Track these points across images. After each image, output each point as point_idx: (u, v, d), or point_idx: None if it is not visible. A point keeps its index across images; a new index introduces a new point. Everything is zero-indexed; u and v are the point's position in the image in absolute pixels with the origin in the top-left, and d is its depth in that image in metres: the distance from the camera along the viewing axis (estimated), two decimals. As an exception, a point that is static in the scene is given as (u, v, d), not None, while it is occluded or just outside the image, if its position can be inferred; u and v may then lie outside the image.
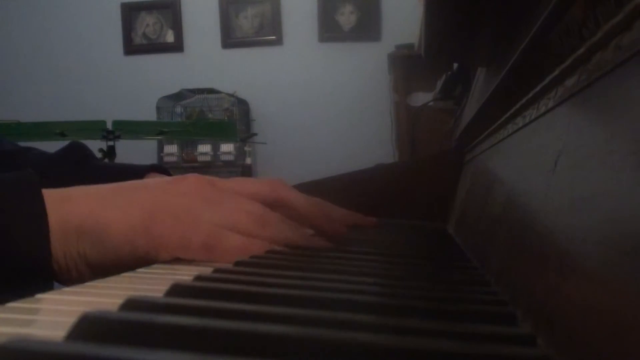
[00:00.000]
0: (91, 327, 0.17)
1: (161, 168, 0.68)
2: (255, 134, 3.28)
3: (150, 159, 3.41)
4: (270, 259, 0.39)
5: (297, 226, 0.46)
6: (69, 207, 0.39)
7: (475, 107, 0.68)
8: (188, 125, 2.83)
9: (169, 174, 0.66)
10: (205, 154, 3.32)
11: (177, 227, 0.40)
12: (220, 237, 0.40)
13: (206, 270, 0.31)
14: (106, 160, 2.16)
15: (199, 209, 0.41)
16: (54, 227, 0.38)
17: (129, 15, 3.57)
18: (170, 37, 3.56)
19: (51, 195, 0.39)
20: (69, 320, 0.17)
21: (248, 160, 3.34)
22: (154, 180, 0.44)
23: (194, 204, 0.41)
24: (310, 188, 1.00)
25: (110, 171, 0.68)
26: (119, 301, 0.20)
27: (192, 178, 0.43)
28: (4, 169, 0.41)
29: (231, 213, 0.42)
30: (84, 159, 0.70)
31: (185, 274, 0.35)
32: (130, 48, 3.58)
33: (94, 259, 0.40)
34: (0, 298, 0.23)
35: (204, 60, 3.50)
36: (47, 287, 0.38)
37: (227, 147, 3.31)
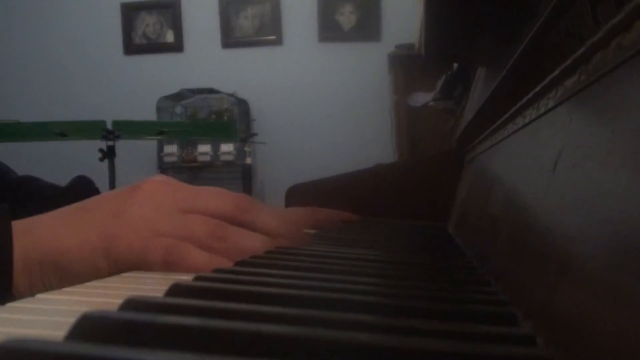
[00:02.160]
0: (91, 327, 0.17)
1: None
2: (255, 134, 3.28)
3: (150, 159, 3.41)
4: (270, 259, 0.39)
5: (257, 234, 0.43)
6: (30, 238, 0.39)
7: (475, 107, 0.68)
8: (188, 125, 2.84)
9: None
10: (205, 154, 3.32)
11: (135, 243, 0.39)
12: (180, 251, 0.39)
13: (182, 275, 0.31)
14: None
15: (156, 220, 0.40)
16: (17, 261, 0.38)
17: (129, 15, 3.57)
18: (170, 37, 3.56)
19: (16, 228, 0.39)
20: (69, 320, 0.17)
21: (248, 160, 3.34)
22: (111, 194, 0.43)
23: (150, 214, 0.40)
24: (310, 188, 1.00)
25: None
26: (119, 301, 0.20)
27: (147, 186, 0.42)
28: (9, 198, 0.41)
29: (187, 224, 0.40)
30: (89, 193, 0.70)
31: (185, 274, 0.35)
32: (130, 48, 3.58)
33: (61, 287, 0.39)
34: None
35: (204, 60, 3.50)
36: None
37: (227, 147, 3.31)
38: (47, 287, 0.39)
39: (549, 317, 0.22)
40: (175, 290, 0.24)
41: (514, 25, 0.45)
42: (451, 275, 0.37)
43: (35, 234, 0.39)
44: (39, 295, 0.26)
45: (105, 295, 0.27)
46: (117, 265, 0.39)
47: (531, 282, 0.26)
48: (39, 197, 0.61)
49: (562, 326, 0.20)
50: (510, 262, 0.32)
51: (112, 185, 2.15)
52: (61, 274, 0.39)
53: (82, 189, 0.69)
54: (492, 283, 0.34)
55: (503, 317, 0.24)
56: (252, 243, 0.42)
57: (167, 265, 0.38)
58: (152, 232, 0.39)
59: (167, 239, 0.39)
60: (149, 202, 0.41)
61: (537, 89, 0.38)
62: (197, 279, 0.28)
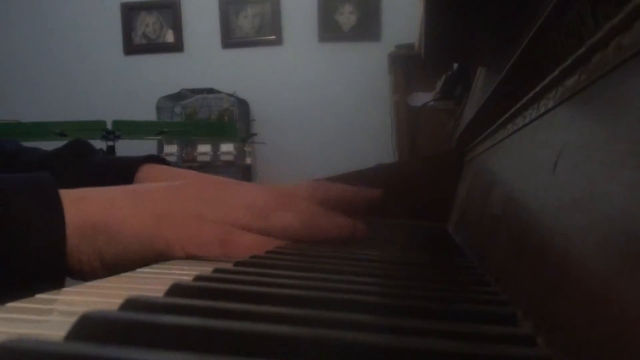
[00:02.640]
0: (91, 327, 0.17)
1: (158, 158, 0.69)
2: (255, 134, 3.28)
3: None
4: (270, 259, 0.39)
5: (300, 207, 0.48)
6: (84, 206, 0.41)
7: (475, 107, 0.68)
8: (188, 125, 2.84)
9: (168, 164, 0.67)
10: (205, 154, 3.32)
11: (190, 227, 0.42)
12: (233, 235, 0.42)
13: (206, 270, 0.31)
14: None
15: (205, 212, 0.43)
16: (70, 224, 0.39)
17: (129, 15, 3.57)
18: (170, 37, 3.56)
19: (67, 195, 0.40)
20: (69, 320, 0.17)
21: (248, 160, 3.34)
22: (161, 186, 0.46)
23: (197, 206, 0.43)
24: (310, 188, 1.00)
25: (108, 166, 0.68)
26: (119, 301, 0.20)
27: (195, 185, 0.46)
28: (8, 170, 0.42)
29: (232, 210, 0.44)
30: (84, 155, 0.70)
31: (185, 274, 0.35)
32: (130, 48, 3.58)
33: (109, 257, 0.41)
34: (13, 293, 0.24)
35: (204, 60, 3.50)
36: (59, 283, 0.39)
37: (227, 147, 3.31)
38: (96, 254, 0.41)
39: (549, 317, 0.22)
40: (175, 290, 0.24)
41: (514, 25, 0.45)
42: (451, 275, 0.37)
43: (87, 202, 0.41)
44: (39, 296, 0.26)
45: (105, 295, 0.27)
46: (170, 243, 0.41)
47: (531, 282, 0.26)
48: (30, 167, 0.61)
49: (562, 326, 0.20)
50: (510, 262, 0.32)
51: (112, 185, 2.15)
52: (113, 244, 0.41)
53: (77, 150, 0.69)
54: (492, 283, 0.34)
55: (503, 317, 0.24)
56: (291, 220, 0.46)
57: (222, 248, 0.42)
58: (204, 221, 0.43)
59: (220, 224, 0.43)
60: (197, 197, 0.44)
61: (537, 89, 0.38)
62: (197, 279, 0.28)
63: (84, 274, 0.41)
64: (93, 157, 0.71)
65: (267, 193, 0.48)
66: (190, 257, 0.42)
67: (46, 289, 0.38)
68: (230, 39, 3.50)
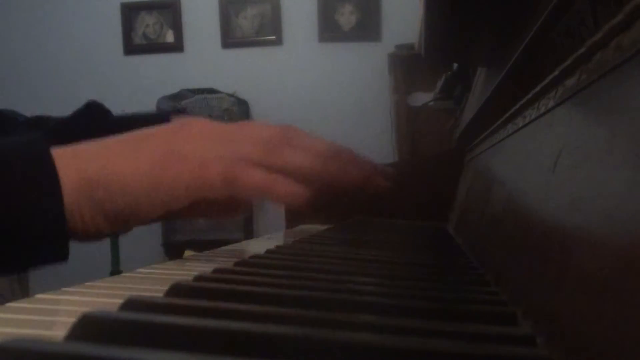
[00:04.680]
0: (91, 327, 0.17)
1: (181, 113, 0.68)
2: (255, 134, 3.28)
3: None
4: (270, 259, 0.39)
5: (310, 144, 0.45)
6: (78, 161, 0.39)
7: (475, 107, 0.68)
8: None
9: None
10: (205, 154, 3.32)
11: (190, 168, 0.40)
12: (239, 169, 0.40)
13: (206, 270, 0.31)
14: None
15: (207, 150, 0.41)
16: (66, 183, 0.38)
17: (129, 15, 3.57)
18: (170, 37, 3.56)
19: (61, 153, 0.39)
20: (69, 320, 0.17)
21: (248, 160, 3.34)
22: (160, 129, 0.43)
23: (201, 146, 0.41)
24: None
25: (131, 123, 0.66)
26: (119, 301, 0.20)
27: (196, 123, 0.43)
28: None
29: (240, 146, 0.41)
30: (103, 116, 0.68)
31: (185, 274, 0.35)
32: (130, 48, 3.58)
33: (111, 210, 0.39)
34: (17, 259, 0.23)
35: (204, 60, 3.50)
36: (63, 247, 0.37)
37: (227, 147, 3.31)
38: (98, 209, 0.39)
39: (549, 317, 0.22)
40: (175, 290, 0.24)
41: (514, 25, 0.45)
42: (451, 275, 0.37)
43: (85, 157, 0.40)
44: (39, 295, 0.26)
45: (105, 295, 0.27)
46: (173, 188, 0.39)
47: (531, 282, 0.26)
48: (53, 130, 0.60)
49: (562, 326, 0.20)
50: (510, 262, 0.32)
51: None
52: (114, 197, 0.39)
53: (94, 112, 0.67)
54: (492, 283, 0.34)
55: (503, 317, 0.24)
56: (302, 160, 0.43)
57: (227, 184, 0.39)
58: (204, 159, 0.40)
59: (225, 160, 0.40)
60: (197, 136, 0.42)
61: (537, 89, 0.38)
62: (197, 279, 0.28)
63: (89, 234, 0.39)
64: (112, 118, 0.69)
65: (279, 128, 0.45)
66: (195, 200, 0.40)
67: (51, 254, 0.37)
68: (230, 39, 3.50)
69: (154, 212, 0.40)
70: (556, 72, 0.33)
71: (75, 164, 0.39)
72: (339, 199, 0.52)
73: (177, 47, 3.54)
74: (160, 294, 0.24)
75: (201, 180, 0.40)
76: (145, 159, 0.40)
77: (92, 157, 0.40)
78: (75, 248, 0.40)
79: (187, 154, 0.40)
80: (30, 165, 0.37)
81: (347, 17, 3.41)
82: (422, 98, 2.36)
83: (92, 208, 0.39)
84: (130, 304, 0.20)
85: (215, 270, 0.31)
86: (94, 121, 0.65)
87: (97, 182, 0.39)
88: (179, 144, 0.41)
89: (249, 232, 2.83)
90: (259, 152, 0.41)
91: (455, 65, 1.26)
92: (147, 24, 3.58)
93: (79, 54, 3.54)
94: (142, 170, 0.39)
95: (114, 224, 0.40)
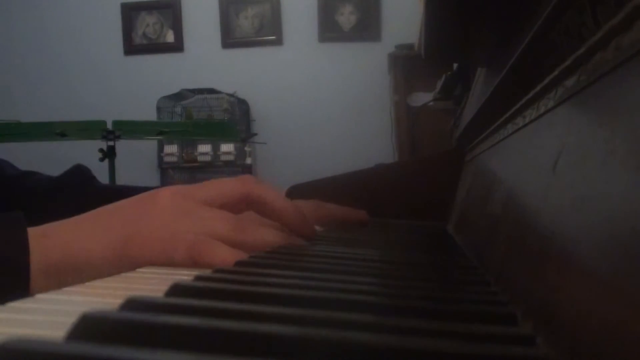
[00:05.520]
0: (91, 327, 0.17)
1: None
2: (256, 134, 3.28)
3: (151, 159, 3.41)
4: (270, 259, 0.39)
5: (275, 227, 0.46)
6: (49, 242, 0.40)
7: (475, 107, 0.68)
8: (188, 125, 2.84)
9: None
10: (205, 154, 3.32)
11: (157, 244, 0.40)
12: (205, 246, 0.40)
13: (206, 270, 0.31)
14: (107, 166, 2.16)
15: (175, 223, 0.41)
16: (34, 265, 0.38)
17: (129, 15, 3.57)
18: (170, 37, 3.56)
19: (34, 233, 0.39)
20: (69, 320, 0.17)
21: (248, 160, 3.34)
22: (127, 202, 0.44)
23: (169, 219, 0.42)
24: (310, 188, 1.00)
25: (112, 193, 0.68)
26: (119, 301, 0.20)
27: (163, 194, 0.43)
28: (7, 195, 0.41)
29: (208, 221, 0.42)
30: (86, 182, 0.70)
31: (185, 274, 0.35)
32: (130, 48, 3.58)
33: None
34: None
35: (204, 60, 3.51)
36: None
37: (227, 147, 3.31)
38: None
39: (549, 317, 0.22)
40: (175, 290, 0.24)
41: (514, 25, 0.45)
42: (451, 275, 0.37)
43: (53, 238, 0.40)
44: (39, 295, 0.26)
45: (105, 295, 0.27)
46: (141, 267, 0.40)
47: (531, 282, 0.26)
48: (36, 192, 0.61)
49: (562, 326, 0.20)
50: (510, 262, 0.32)
51: (112, 185, 2.15)
52: (80, 276, 0.39)
53: (77, 177, 0.69)
54: (492, 283, 0.34)
55: (503, 317, 0.24)
56: (271, 237, 0.44)
57: (193, 260, 0.40)
58: (174, 233, 0.41)
59: (191, 235, 0.40)
60: (165, 211, 0.42)
61: (537, 89, 0.38)
62: (197, 279, 0.28)
63: None
64: (95, 184, 0.72)
65: (240, 189, 0.46)
66: None
67: None
68: (230, 39, 3.50)
69: None
70: (556, 72, 0.33)
71: (43, 245, 0.39)
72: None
73: (177, 47, 3.54)
74: (160, 294, 0.24)
75: (168, 257, 0.40)
76: (114, 237, 0.41)
77: (60, 238, 0.40)
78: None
79: (154, 230, 0.41)
80: (3, 248, 0.38)
81: (347, 17, 3.41)
82: (422, 98, 2.36)
83: (60, 287, 0.39)
84: (130, 304, 0.20)
85: (216, 270, 0.31)
86: (79, 185, 0.67)
87: (64, 266, 0.39)
88: (146, 219, 0.42)
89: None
90: (229, 227, 0.42)
91: (455, 65, 1.26)
92: (148, 24, 3.58)
93: (79, 54, 3.54)
94: (110, 247, 0.40)
95: None
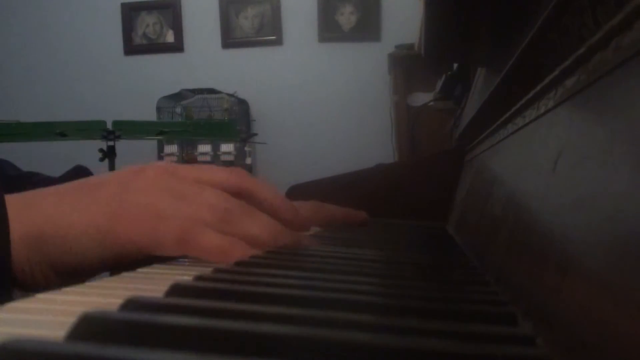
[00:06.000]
0: (91, 327, 0.17)
1: None
2: (256, 134, 3.28)
3: (151, 159, 3.41)
4: (270, 259, 0.39)
5: (266, 219, 0.43)
6: (29, 213, 0.38)
7: (475, 107, 0.68)
8: (188, 125, 2.83)
9: None
10: (205, 154, 3.32)
11: (144, 225, 0.39)
12: (194, 232, 0.38)
13: (206, 270, 0.31)
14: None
15: (162, 205, 0.39)
16: (15, 235, 0.37)
17: (129, 15, 3.57)
18: (170, 37, 3.56)
19: (13, 202, 0.38)
20: (69, 320, 0.17)
21: (248, 160, 3.34)
22: (113, 176, 0.42)
23: (154, 200, 0.40)
24: (310, 188, 1.00)
25: None
26: (119, 301, 0.20)
27: (150, 171, 0.41)
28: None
29: (195, 207, 0.40)
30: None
31: (185, 274, 0.35)
32: (130, 48, 3.58)
33: (60, 264, 0.39)
34: None
35: (204, 60, 3.50)
36: (5, 296, 0.37)
37: (227, 147, 3.31)
38: (46, 262, 0.38)
39: (549, 317, 0.22)
40: (175, 290, 0.24)
41: (514, 25, 0.45)
42: (451, 275, 0.37)
43: (35, 209, 0.39)
44: (39, 295, 0.26)
45: (105, 295, 0.27)
46: (124, 244, 0.39)
47: (531, 282, 0.26)
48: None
49: (562, 326, 0.20)
50: (510, 262, 0.32)
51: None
52: (62, 251, 0.38)
53: (77, 178, 0.69)
54: (492, 283, 0.34)
55: (503, 317, 0.24)
56: (257, 231, 0.41)
57: (181, 245, 0.38)
58: (160, 216, 0.39)
59: (179, 220, 0.39)
60: (153, 188, 0.40)
61: (537, 89, 0.38)
62: (197, 279, 0.28)
63: (37, 284, 0.38)
64: None
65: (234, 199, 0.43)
66: (148, 256, 0.39)
67: None
68: (230, 39, 3.50)
69: (103, 267, 0.39)
70: (556, 72, 0.33)
71: (26, 216, 0.38)
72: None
73: (177, 47, 3.54)
74: (160, 294, 0.24)
75: (154, 239, 0.38)
76: (98, 212, 0.39)
77: (43, 209, 0.39)
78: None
79: (140, 209, 0.39)
80: None
81: (347, 17, 3.41)
82: (422, 98, 2.36)
83: (42, 263, 0.38)
84: (130, 304, 0.20)
85: (216, 270, 0.31)
86: None
87: (45, 238, 0.38)
88: (132, 195, 0.40)
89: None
90: (216, 218, 0.40)
91: (455, 65, 1.26)
92: (148, 24, 3.58)
93: (79, 54, 3.54)
94: (94, 224, 0.39)
95: (66, 277, 0.39)
